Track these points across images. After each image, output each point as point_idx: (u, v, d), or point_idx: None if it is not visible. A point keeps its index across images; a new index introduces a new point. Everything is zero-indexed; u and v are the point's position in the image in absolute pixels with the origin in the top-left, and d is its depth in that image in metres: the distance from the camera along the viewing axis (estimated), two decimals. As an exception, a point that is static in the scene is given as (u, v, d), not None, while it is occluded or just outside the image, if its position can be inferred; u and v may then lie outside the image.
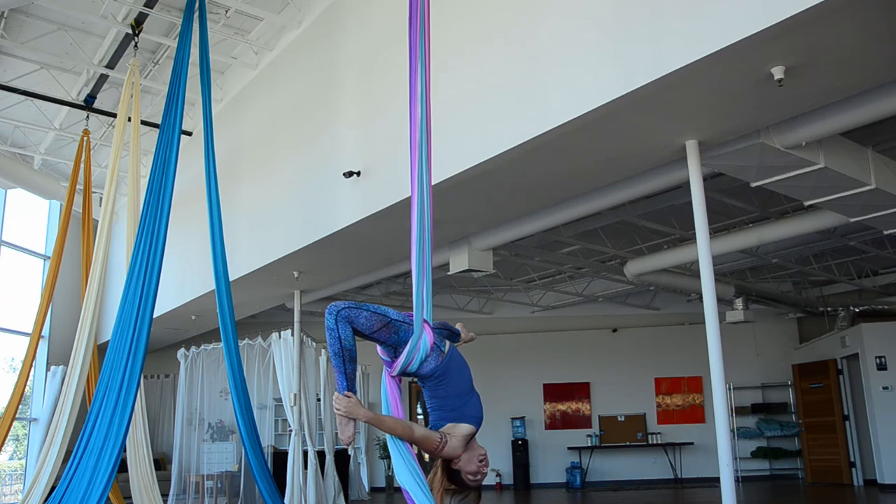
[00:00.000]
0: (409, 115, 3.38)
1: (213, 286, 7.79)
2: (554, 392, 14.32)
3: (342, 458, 11.27)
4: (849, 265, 11.30)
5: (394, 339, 3.01)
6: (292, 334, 9.79)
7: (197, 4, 7.67)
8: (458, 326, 3.63)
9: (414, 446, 3.03)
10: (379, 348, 3.10)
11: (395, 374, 3.10)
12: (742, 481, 12.65)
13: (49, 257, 11.67)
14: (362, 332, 2.94)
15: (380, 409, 3.23)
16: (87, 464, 6.22)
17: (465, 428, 3.02)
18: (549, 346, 14.35)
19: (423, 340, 2.98)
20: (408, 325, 3.02)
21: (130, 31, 8.48)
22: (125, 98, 8.69)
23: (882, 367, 10.93)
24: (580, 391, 14.27)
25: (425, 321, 3.04)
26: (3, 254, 12.34)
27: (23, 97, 10.00)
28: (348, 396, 2.93)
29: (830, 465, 11.95)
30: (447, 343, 3.13)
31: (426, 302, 3.10)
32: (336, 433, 11.79)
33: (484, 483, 3.18)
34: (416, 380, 3.14)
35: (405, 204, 6.55)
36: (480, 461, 3.05)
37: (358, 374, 12.96)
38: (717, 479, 5.02)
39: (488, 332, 14.02)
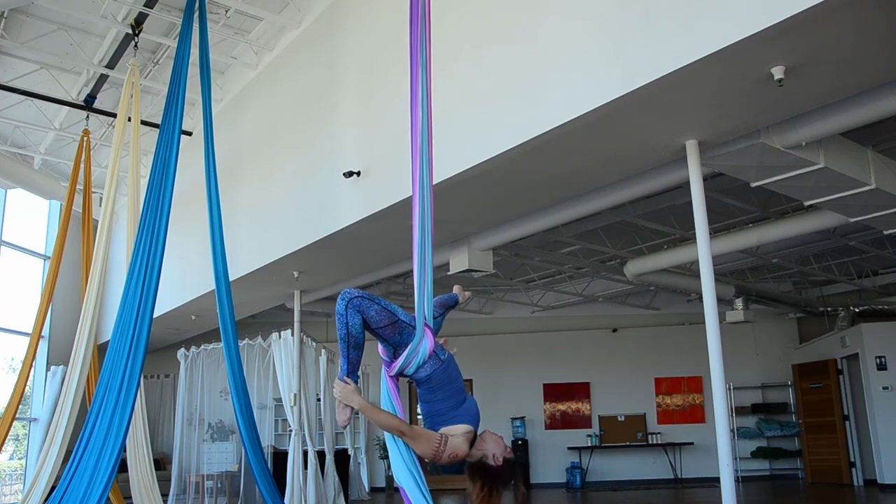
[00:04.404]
0: (410, 115, 3.39)
1: (213, 286, 7.79)
2: (554, 392, 14.32)
3: (342, 458, 11.27)
4: (849, 265, 11.30)
5: (396, 339, 3.02)
6: (292, 334, 9.78)
7: (197, 4, 7.67)
8: (454, 290, 3.69)
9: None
10: (380, 346, 3.12)
11: (392, 374, 3.12)
12: (742, 481, 12.64)
13: (49, 257, 11.67)
14: (369, 325, 2.97)
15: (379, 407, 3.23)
16: (87, 464, 6.22)
17: (462, 427, 3.00)
18: (549, 346, 14.34)
19: (423, 346, 3.00)
20: (412, 328, 3.03)
21: (130, 31, 8.48)
22: (125, 98, 8.69)
23: (882, 367, 10.93)
24: (580, 391, 14.26)
25: (427, 326, 3.05)
26: (3, 254, 12.34)
27: (23, 97, 10.00)
28: (346, 383, 2.99)
29: (830, 465, 11.94)
30: (447, 351, 3.14)
31: (427, 306, 3.10)
32: (336, 433, 11.80)
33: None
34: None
35: (405, 204, 6.56)
36: (498, 440, 3.03)
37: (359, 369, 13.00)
38: (717, 479, 5.02)
39: (488, 332, 14.03)
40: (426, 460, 3.01)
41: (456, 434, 2.96)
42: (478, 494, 2.92)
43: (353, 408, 3.05)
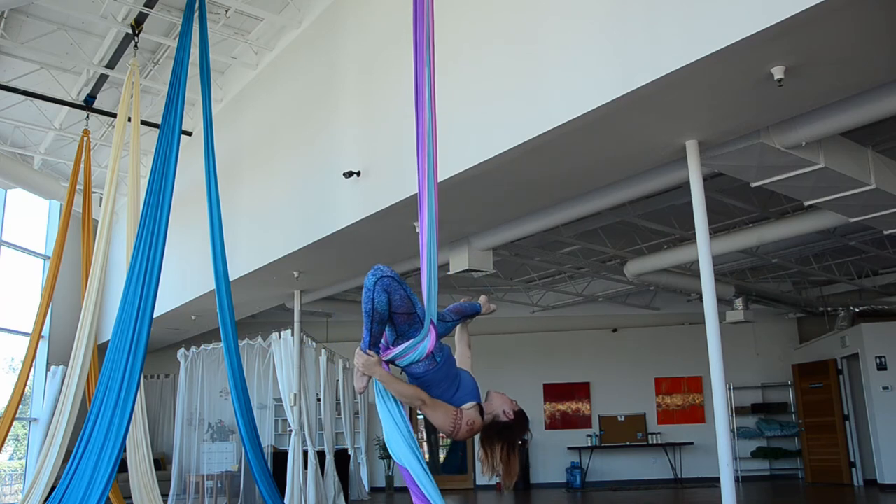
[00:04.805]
0: (415, 113, 3.41)
1: (213, 286, 7.79)
2: (554, 392, 14.31)
3: (342, 458, 11.27)
4: (849, 265, 11.30)
5: (403, 328, 3.04)
6: (292, 334, 9.78)
7: (197, 4, 7.67)
8: (480, 300, 3.76)
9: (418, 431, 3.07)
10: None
11: (384, 359, 3.12)
12: (742, 481, 12.64)
13: (49, 257, 11.67)
14: (389, 306, 2.99)
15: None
16: (87, 464, 6.22)
17: (468, 404, 3.10)
18: (549, 346, 14.33)
19: (423, 344, 3.01)
20: (421, 326, 3.05)
21: (130, 31, 8.48)
22: (125, 98, 8.69)
23: (882, 367, 10.93)
24: (580, 391, 14.26)
25: (434, 326, 3.06)
26: (3, 254, 12.34)
27: (23, 97, 10.00)
28: (370, 355, 3.00)
29: (830, 465, 11.94)
30: (446, 351, 3.15)
31: (433, 304, 3.13)
32: (336, 433, 11.81)
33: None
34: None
35: (405, 204, 6.56)
36: (503, 396, 3.16)
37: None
38: (717, 479, 5.02)
39: (488, 332, 14.01)
40: (445, 435, 3.09)
41: (466, 409, 3.07)
42: (501, 456, 3.03)
43: (371, 378, 3.10)
